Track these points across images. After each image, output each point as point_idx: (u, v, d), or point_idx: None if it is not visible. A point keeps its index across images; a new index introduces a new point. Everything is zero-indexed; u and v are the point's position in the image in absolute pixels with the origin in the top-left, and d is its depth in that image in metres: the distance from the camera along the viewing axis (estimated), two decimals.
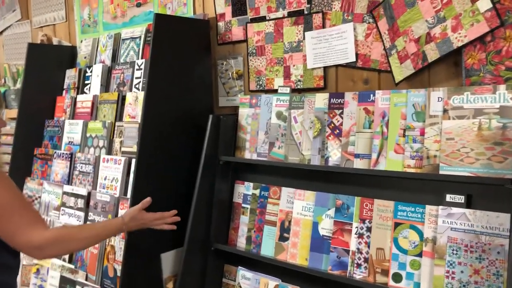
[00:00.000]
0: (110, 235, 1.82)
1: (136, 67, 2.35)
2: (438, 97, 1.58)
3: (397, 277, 1.63)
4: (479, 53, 1.59)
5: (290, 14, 2.08)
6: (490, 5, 1.52)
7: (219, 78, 2.38)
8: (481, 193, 1.52)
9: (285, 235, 1.95)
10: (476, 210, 1.50)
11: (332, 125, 1.84)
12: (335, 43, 1.95)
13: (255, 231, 2.05)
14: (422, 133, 1.61)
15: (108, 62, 2.58)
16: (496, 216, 1.46)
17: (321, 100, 1.88)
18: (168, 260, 2.15)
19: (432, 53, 1.66)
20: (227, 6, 2.30)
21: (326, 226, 1.84)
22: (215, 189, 2.13)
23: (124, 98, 2.34)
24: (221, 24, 2.34)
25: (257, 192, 2.08)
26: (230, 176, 2.18)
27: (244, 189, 2.14)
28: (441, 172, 1.55)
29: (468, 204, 1.54)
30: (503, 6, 1.52)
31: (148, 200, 1.78)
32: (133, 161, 2.12)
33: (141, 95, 2.22)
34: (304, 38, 2.03)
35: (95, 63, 2.67)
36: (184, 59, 2.20)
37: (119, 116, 2.35)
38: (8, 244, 1.33)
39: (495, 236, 1.46)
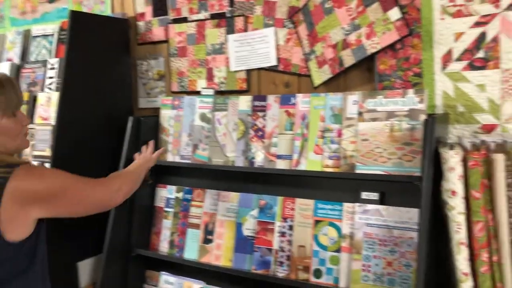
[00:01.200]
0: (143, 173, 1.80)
1: (49, 66, 2.21)
2: (354, 101, 1.68)
3: (317, 273, 1.69)
4: (390, 60, 1.71)
5: (213, 16, 2.08)
6: (399, 15, 1.64)
7: (139, 78, 2.32)
8: (393, 190, 1.64)
9: (209, 237, 1.94)
10: (389, 206, 1.61)
11: (256, 127, 1.87)
12: (257, 47, 1.98)
13: (178, 234, 2.03)
14: (340, 135, 1.69)
15: (16, 60, 2.40)
16: (407, 211, 1.57)
17: (244, 102, 1.91)
18: (85, 269, 2.05)
19: (348, 58, 1.75)
20: (148, 5, 2.25)
21: (250, 227, 1.86)
22: (136, 193, 2.05)
23: (35, 98, 2.20)
24: (141, 23, 2.29)
25: (180, 195, 2.06)
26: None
27: (167, 193, 2.10)
28: (357, 171, 1.64)
29: (382, 201, 1.65)
30: (410, 16, 1.65)
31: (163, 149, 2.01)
32: (47, 166, 1.99)
33: (54, 95, 2.10)
34: (226, 41, 2.05)
35: (1, 61, 2.48)
36: (102, 59, 2.12)
37: (30, 117, 2.20)
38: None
39: (405, 230, 1.57)
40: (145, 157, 1.88)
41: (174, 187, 2.08)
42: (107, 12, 2.38)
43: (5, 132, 1.30)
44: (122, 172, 1.75)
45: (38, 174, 1.30)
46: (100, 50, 2.11)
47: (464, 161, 1.34)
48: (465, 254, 1.33)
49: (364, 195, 1.66)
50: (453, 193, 1.33)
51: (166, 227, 2.07)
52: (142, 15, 2.28)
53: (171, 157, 2.07)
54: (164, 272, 2.04)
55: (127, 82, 2.26)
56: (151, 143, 1.97)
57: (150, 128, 2.09)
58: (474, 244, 1.33)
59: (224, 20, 2.05)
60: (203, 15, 2.11)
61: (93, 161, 2.04)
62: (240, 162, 1.89)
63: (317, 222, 1.73)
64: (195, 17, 2.13)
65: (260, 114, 1.87)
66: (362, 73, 1.80)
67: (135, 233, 2.07)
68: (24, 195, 1.23)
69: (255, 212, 1.86)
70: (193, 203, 2.01)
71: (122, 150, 2.02)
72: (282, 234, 1.78)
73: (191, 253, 1.97)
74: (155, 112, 2.19)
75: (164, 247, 2.06)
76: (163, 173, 2.14)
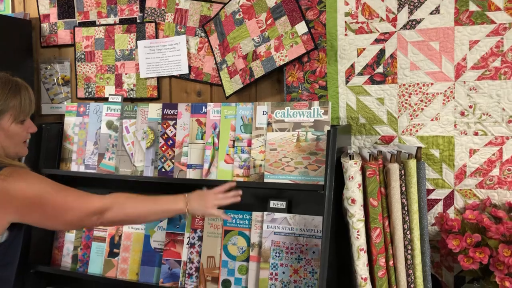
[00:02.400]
0: (168, 214, 1.55)
1: None
2: (263, 111, 1.70)
3: (226, 284, 1.68)
4: (298, 72, 1.75)
5: (122, 22, 2.02)
6: (306, 29, 1.69)
7: (42, 83, 2.18)
8: (300, 198, 1.68)
9: (115, 250, 1.86)
10: (296, 214, 1.64)
11: (166, 135, 1.83)
12: (168, 54, 1.95)
13: (81, 248, 1.92)
14: (250, 144, 1.71)
15: None
16: (312, 219, 1.62)
17: (154, 110, 1.86)
18: None
19: (258, 69, 1.78)
20: (53, 7, 2.13)
21: (158, 239, 1.81)
22: None
23: None
24: (45, 25, 2.16)
25: None
26: None
27: None
28: (265, 180, 1.66)
29: (289, 209, 1.68)
30: (316, 31, 1.71)
31: (233, 185, 1.59)
32: None
33: None
34: (136, 47, 1.99)
35: None
36: (0, 61, 1.96)
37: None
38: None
39: (311, 237, 1.62)
40: (204, 197, 1.52)
41: None
42: (7, 11, 2.22)
43: (11, 136, 1.34)
44: (132, 197, 1.46)
45: (21, 177, 1.28)
46: None
47: (363, 170, 1.40)
48: (364, 259, 1.39)
49: (272, 203, 1.68)
50: (353, 201, 1.38)
51: (69, 241, 1.95)
52: (46, 16, 2.15)
53: (75, 167, 1.96)
54: None
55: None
56: (230, 184, 1.59)
57: (52, 136, 1.97)
58: (372, 250, 1.40)
59: (134, 26, 1.99)
60: (112, 19, 2.04)
61: None
62: (149, 172, 1.84)
63: (226, 232, 1.72)
64: (103, 21, 2.05)
65: (171, 122, 1.83)
66: (272, 84, 1.84)
67: (33, 249, 1.92)
68: (1, 194, 1.23)
69: (163, 224, 1.81)
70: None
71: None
72: (192, 245, 1.75)
73: (95, 267, 1.87)
74: (60, 119, 2.07)
75: (66, 262, 1.94)
76: (66, 183, 2.01)
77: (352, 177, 1.38)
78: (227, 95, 1.87)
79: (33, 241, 1.92)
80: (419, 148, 1.46)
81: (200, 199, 1.51)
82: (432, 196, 1.61)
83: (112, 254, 1.85)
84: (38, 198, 1.28)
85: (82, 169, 1.95)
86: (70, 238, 1.95)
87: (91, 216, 1.35)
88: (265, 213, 1.67)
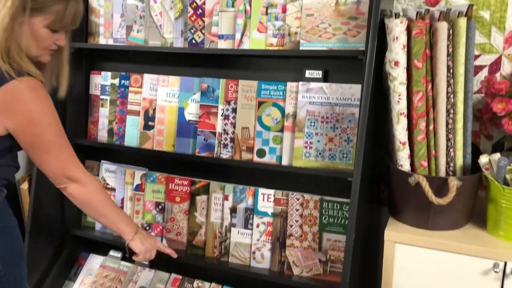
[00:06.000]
0: (114, 229, 1.52)
1: None
2: None
3: (261, 153, 1.70)
4: None
5: None
6: None
7: None
8: (337, 67, 1.62)
9: (150, 123, 1.88)
10: (332, 83, 1.60)
11: (195, 4, 1.74)
12: None
13: (116, 122, 1.94)
14: (284, 10, 1.61)
15: None
16: (349, 87, 1.57)
17: None
18: (20, 161, 1.95)
19: None
20: None
21: (192, 111, 1.81)
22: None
23: None
24: None
25: (116, 81, 1.94)
26: (84, 66, 1.99)
27: (102, 80, 1.98)
28: (301, 48, 1.59)
29: (325, 79, 1.63)
30: None
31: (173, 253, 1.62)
32: None
33: None
34: None
35: None
36: None
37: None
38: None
39: (347, 106, 1.59)
40: (150, 239, 1.51)
41: (109, 73, 1.95)
42: None
43: (36, 37, 1.24)
44: (105, 194, 1.43)
45: (34, 95, 1.22)
46: None
47: (408, 30, 1.32)
48: (404, 123, 1.37)
49: (308, 73, 1.63)
50: (396, 63, 1.32)
51: (104, 116, 1.97)
52: None
53: (103, 41, 1.92)
54: (104, 161, 1.98)
55: None
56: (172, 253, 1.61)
57: None
58: (413, 114, 1.37)
59: None
60: None
61: None
62: (179, 43, 1.78)
63: (260, 103, 1.70)
64: None
65: None
66: None
67: (70, 123, 1.95)
68: (8, 99, 1.19)
69: (197, 96, 1.80)
70: (131, 89, 1.91)
71: None
72: (226, 117, 1.75)
73: (131, 140, 1.91)
74: None
75: (102, 136, 1.98)
76: (96, 58, 1.99)
77: (396, 37, 1.30)
78: None
79: (69, 117, 1.95)
80: (470, 6, 1.35)
81: (146, 238, 1.50)
82: (477, 62, 1.53)
83: (147, 127, 1.88)
84: (39, 124, 1.24)
85: (110, 42, 1.90)
86: (104, 112, 1.97)
87: (63, 176, 1.31)
88: (300, 83, 1.63)
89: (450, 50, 1.33)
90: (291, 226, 1.67)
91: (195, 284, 1.80)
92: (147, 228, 1.87)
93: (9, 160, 1.31)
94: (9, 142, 1.26)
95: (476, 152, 1.42)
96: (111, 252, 1.96)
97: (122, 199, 1.93)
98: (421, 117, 1.36)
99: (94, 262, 1.98)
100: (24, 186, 1.99)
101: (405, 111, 1.36)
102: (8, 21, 1.17)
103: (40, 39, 1.25)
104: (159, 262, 1.89)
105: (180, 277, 1.84)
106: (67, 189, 1.33)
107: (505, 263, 1.25)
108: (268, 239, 1.70)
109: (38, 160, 1.30)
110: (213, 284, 1.79)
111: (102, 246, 1.97)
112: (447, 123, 1.37)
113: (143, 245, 1.47)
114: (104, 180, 1.97)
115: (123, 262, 1.92)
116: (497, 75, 1.52)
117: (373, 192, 1.67)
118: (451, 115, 1.36)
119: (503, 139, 1.51)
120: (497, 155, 1.30)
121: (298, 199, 1.66)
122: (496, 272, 1.26)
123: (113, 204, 1.46)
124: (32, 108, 1.22)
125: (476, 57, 1.52)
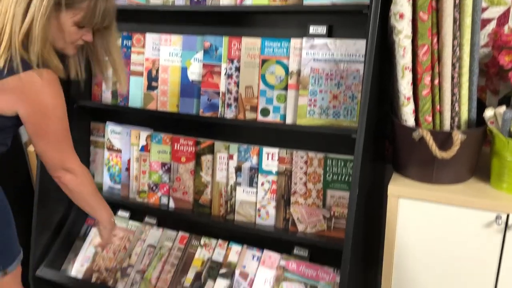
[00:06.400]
0: (94, 214, 1.57)
1: None
2: None
3: (265, 112, 1.70)
4: None
5: None
6: None
7: None
8: (341, 22, 1.59)
9: (153, 84, 1.87)
10: (337, 39, 1.57)
11: None
12: None
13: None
14: None
15: None
16: (353, 43, 1.55)
17: None
18: None
19: None
20: None
21: (195, 71, 1.80)
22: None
23: None
24: None
25: (118, 42, 1.92)
26: None
27: None
28: (304, 3, 1.56)
29: (330, 34, 1.60)
30: None
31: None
32: None
33: None
34: None
35: None
36: None
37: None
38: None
39: (352, 62, 1.57)
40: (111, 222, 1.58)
41: None
42: None
43: (62, 31, 1.28)
44: (93, 184, 1.49)
45: (52, 89, 1.28)
46: None
47: None
48: (408, 78, 1.35)
49: (312, 29, 1.61)
50: (401, 16, 1.29)
51: (107, 77, 1.96)
52: None
53: None
54: (110, 122, 1.99)
55: None
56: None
57: None
58: (417, 68, 1.35)
59: None
60: None
61: None
62: (180, 1, 1.75)
63: (264, 61, 1.68)
64: None
65: None
66: None
67: (74, 85, 1.95)
68: (26, 88, 1.24)
69: (199, 55, 1.78)
70: (133, 49, 1.90)
71: None
72: (229, 76, 1.74)
73: (135, 101, 1.91)
74: None
75: (107, 97, 1.98)
76: None
77: None
78: None
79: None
80: None
81: (114, 229, 1.62)
82: (485, 15, 1.49)
83: (150, 87, 1.87)
84: (51, 117, 1.30)
85: None
86: (108, 73, 1.96)
87: (61, 167, 1.37)
88: (304, 39, 1.60)
89: (457, 1, 1.30)
90: (295, 183, 1.69)
91: (202, 241, 1.84)
92: (154, 187, 1.89)
93: (5, 138, 1.36)
94: (11, 122, 1.31)
95: (482, 108, 1.41)
96: (119, 212, 1.99)
97: (129, 161, 1.95)
98: (426, 71, 1.34)
99: None
100: (31, 148, 2.02)
101: (410, 66, 1.34)
102: (42, 15, 1.21)
103: (67, 33, 1.29)
104: (167, 220, 1.93)
105: (187, 234, 1.88)
106: (62, 179, 1.39)
107: (508, 215, 1.26)
108: (273, 197, 1.72)
109: (39, 149, 1.36)
110: (220, 241, 1.82)
111: (110, 206, 1.99)
112: (453, 77, 1.35)
113: (111, 235, 1.59)
114: (110, 142, 1.98)
115: (131, 222, 1.96)
116: (505, 27, 1.48)
117: (377, 150, 1.67)
118: (456, 69, 1.34)
119: (510, 93, 1.50)
120: (502, 108, 1.29)
121: (302, 157, 1.67)
122: (498, 224, 1.27)
123: (99, 193, 1.53)
124: (48, 102, 1.29)
125: (484, 9, 1.49)
